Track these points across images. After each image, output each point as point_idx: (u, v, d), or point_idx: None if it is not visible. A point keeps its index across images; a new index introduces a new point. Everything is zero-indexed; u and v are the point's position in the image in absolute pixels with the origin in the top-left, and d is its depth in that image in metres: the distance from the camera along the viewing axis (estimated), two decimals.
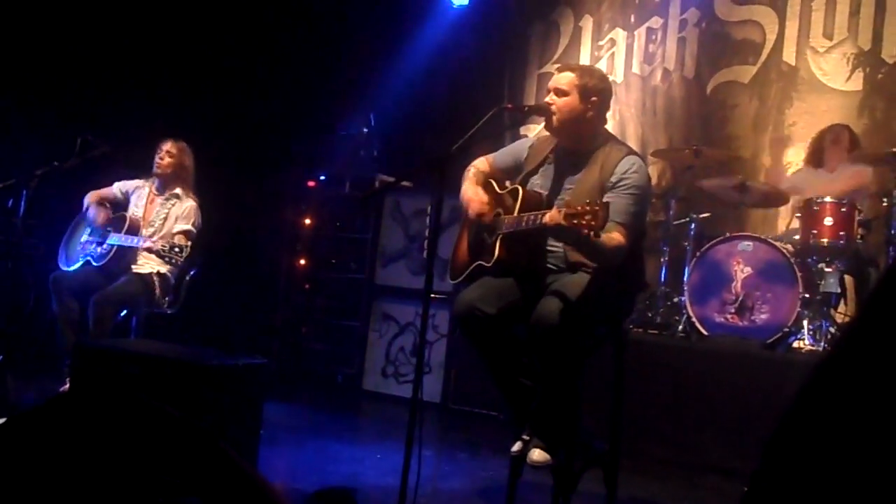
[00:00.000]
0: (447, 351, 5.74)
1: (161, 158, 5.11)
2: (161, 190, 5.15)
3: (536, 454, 3.14)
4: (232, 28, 6.76)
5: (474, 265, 3.38)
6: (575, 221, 2.80)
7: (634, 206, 3.21)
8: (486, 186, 3.54)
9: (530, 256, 3.29)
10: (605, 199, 2.99)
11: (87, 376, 3.76)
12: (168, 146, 5.13)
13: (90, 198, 5.12)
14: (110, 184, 5.26)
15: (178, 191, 5.11)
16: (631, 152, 3.35)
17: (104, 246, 4.86)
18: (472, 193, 3.45)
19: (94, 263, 4.87)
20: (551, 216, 2.92)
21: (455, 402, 5.50)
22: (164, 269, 4.92)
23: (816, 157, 5.55)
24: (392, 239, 6.32)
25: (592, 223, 2.78)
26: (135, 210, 5.09)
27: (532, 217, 3.11)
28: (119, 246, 4.79)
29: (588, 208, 2.78)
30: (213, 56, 6.75)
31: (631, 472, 3.90)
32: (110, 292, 4.69)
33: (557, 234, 3.11)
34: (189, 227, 4.97)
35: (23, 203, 4.76)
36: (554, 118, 3.30)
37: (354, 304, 6.40)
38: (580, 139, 3.37)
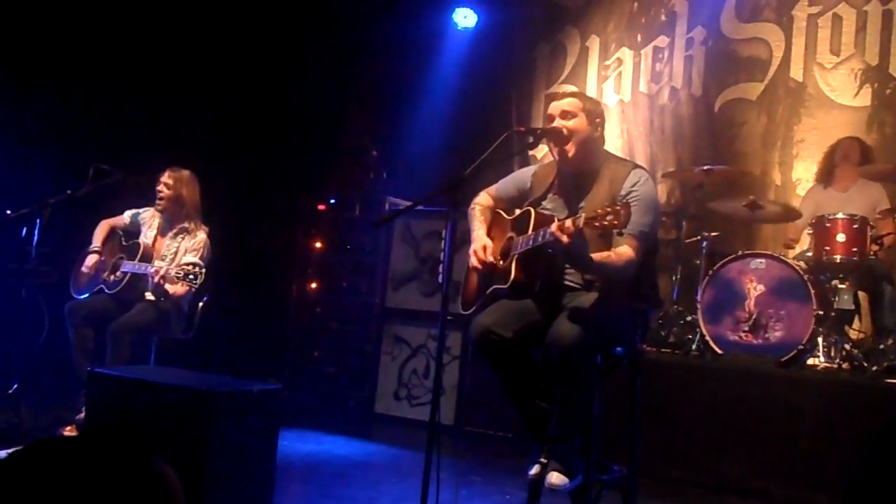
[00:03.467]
0: (460, 373, 5.72)
1: (160, 191, 5.03)
2: (168, 224, 5.09)
3: (555, 477, 3.13)
4: (242, 54, 6.81)
5: (489, 290, 3.38)
6: (596, 224, 2.82)
7: (645, 217, 3.23)
8: (495, 217, 3.57)
9: (546, 275, 3.28)
10: None
11: (101, 405, 3.76)
12: (165, 177, 5.04)
13: (101, 227, 5.13)
14: (122, 212, 5.28)
15: (185, 224, 5.04)
16: (636, 166, 3.43)
17: (117, 274, 4.87)
18: (479, 244, 3.46)
19: (108, 291, 4.88)
20: (558, 225, 2.94)
21: (469, 424, 5.48)
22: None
23: (827, 175, 5.53)
24: (403, 261, 6.32)
25: (615, 222, 2.79)
26: (145, 239, 5.09)
27: (541, 232, 3.12)
28: (132, 274, 4.79)
29: (609, 209, 2.80)
30: (224, 81, 6.80)
31: (648, 494, 3.87)
32: (127, 321, 4.70)
33: (565, 254, 3.10)
34: (196, 259, 4.83)
35: (37, 231, 4.78)
36: (569, 141, 3.32)
37: (366, 327, 6.40)
38: (586, 160, 3.40)
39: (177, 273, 4.45)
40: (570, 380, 3.12)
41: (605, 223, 2.80)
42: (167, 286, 4.63)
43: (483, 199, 3.67)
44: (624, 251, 3.14)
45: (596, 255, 3.10)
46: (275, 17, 6.93)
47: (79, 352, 4.69)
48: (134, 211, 5.25)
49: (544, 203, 3.47)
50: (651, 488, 4.06)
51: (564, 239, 2.92)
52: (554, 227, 2.98)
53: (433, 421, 2.93)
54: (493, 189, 3.69)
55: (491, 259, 3.40)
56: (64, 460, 1.04)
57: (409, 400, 6.07)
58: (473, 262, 3.44)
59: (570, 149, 3.34)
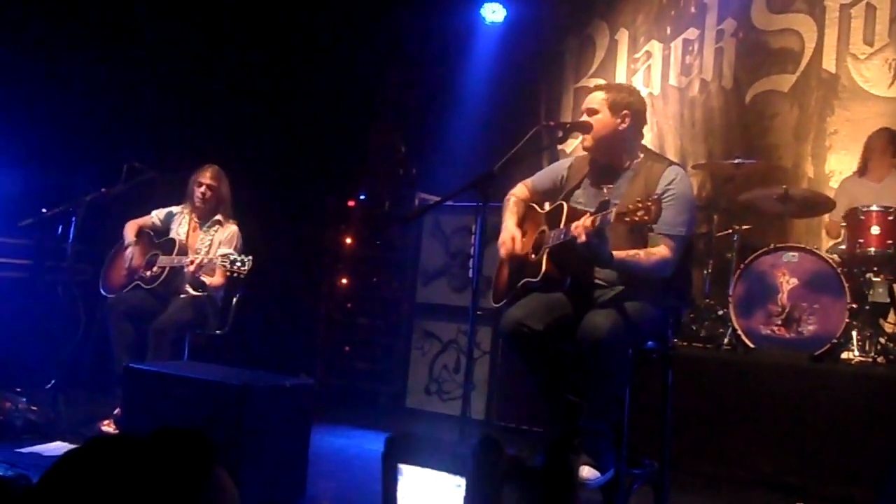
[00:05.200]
0: (490, 367, 5.72)
1: (203, 193, 5.11)
2: (202, 219, 5.20)
3: (586, 471, 3.13)
4: (269, 50, 6.86)
5: (520, 283, 3.39)
6: (627, 219, 2.82)
7: (682, 216, 3.23)
8: (529, 210, 3.58)
9: (578, 270, 3.29)
10: None
11: (137, 400, 3.82)
12: (207, 178, 5.12)
13: (129, 228, 5.20)
14: (150, 211, 5.34)
15: (218, 217, 5.16)
16: (672, 163, 3.42)
17: (154, 269, 4.94)
18: (507, 234, 3.48)
19: (145, 287, 4.95)
20: (582, 222, 2.94)
21: (500, 418, 5.48)
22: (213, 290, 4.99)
23: (863, 165, 5.49)
24: (432, 256, 6.32)
25: (645, 218, 2.80)
26: (179, 235, 5.16)
27: (568, 228, 3.13)
28: (170, 269, 4.86)
29: (640, 205, 2.80)
30: (254, 80, 6.85)
31: (680, 488, 3.86)
32: (168, 319, 4.76)
33: (590, 254, 3.11)
34: (231, 250, 4.95)
35: (72, 229, 4.86)
36: (588, 136, 3.35)
37: (396, 322, 6.41)
38: (616, 154, 3.40)
39: (222, 262, 4.52)
40: (602, 374, 3.12)
41: (636, 218, 2.80)
42: (204, 277, 4.72)
43: (519, 191, 3.67)
44: (658, 251, 3.14)
45: (619, 253, 3.09)
46: (304, 16, 6.97)
47: (119, 347, 4.74)
48: (166, 210, 5.30)
49: (577, 194, 3.48)
50: (683, 483, 4.04)
51: (582, 238, 2.93)
52: (574, 225, 2.99)
53: (464, 415, 2.95)
54: (529, 181, 3.70)
55: (519, 250, 3.41)
56: (130, 458, 1.07)
57: (439, 395, 6.08)
58: (502, 253, 3.46)
59: (591, 145, 3.39)
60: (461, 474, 1.14)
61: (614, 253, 3.08)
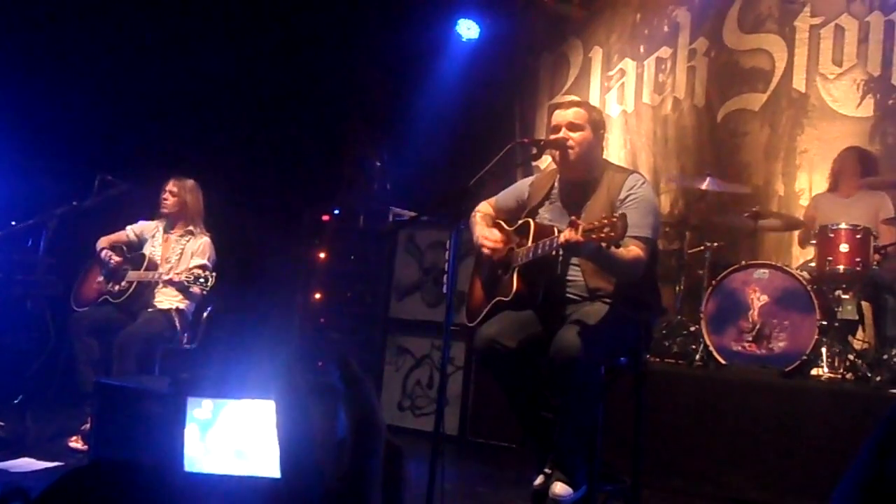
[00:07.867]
0: (464, 383, 5.72)
1: (165, 199, 5.19)
2: (170, 229, 5.22)
3: (559, 487, 3.14)
4: (245, 65, 6.84)
5: (492, 303, 3.39)
6: (593, 235, 2.82)
7: (647, 218, 3.25)
8: (496, 227, 3.59)
9: (548, 286, 3.30)
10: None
11: (108, 415, 3.78)
12: (170, 186, 5.20)
13: (102, 244, 5.17)
14: (124, 226, 5.31)
15: (190, 228, 5.18)
16: (633, 172, 3.47)
17: (122, 284, 4.90)
18: (485, 233, 3.49)
19: (113, 301, 4.91)
20: (567, 235, 2.93)
21: (473, 434, 5.48)
22: (182, 304, 4.96)
23: (833, 182, 5.58)
24: (406, 272, 6.31)
25: (611, 234, 2.79)
26: (151, 250, 5.15)
27: (547, 242, 3.14)
28: (138, 283, 4.83)
29: (606, 221, 2.81)
30: (227, 93, 6.83)
31: None
32: (133, 332, 4.73)
33: (576, 252, 3.11)
34: (204, 261, 5.02)
35: (42, 242, 4.81)
36: (571, 152, 3.34)
37: (370, 337, 6.39)
38: (588, 170, 3.42)
39: (186, 277, 4.51)
40: (574, 390, 3.13)
41: (602, 235, 2.80)
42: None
43: (484, 208, 3.69)
44: (632, 249, 3.15)
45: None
46: (281, 30, 6.96)
47: (83, 362, 4.71)
48: (140, 225, 5.29)
49: (542, 211, 3.49)
50: (655, 499, 4.06)
51: (580, 238, 2.86)
52: (563, 235, 2.97)
53: (437, 431, 2.94)
54: (493, 200, 3.71)
55: (501, 244, 3.41)
56: (131, 485, 1.07)
57: (413, 410, 6.06)
58: (488, 246, 3.43)
59: (575, 160, 3.36)
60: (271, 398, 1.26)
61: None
